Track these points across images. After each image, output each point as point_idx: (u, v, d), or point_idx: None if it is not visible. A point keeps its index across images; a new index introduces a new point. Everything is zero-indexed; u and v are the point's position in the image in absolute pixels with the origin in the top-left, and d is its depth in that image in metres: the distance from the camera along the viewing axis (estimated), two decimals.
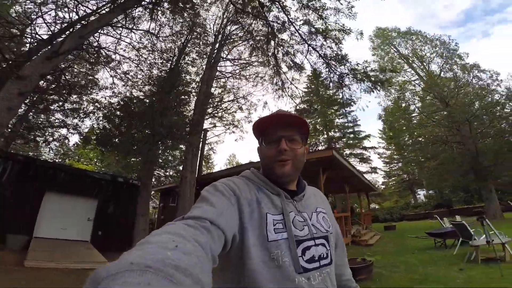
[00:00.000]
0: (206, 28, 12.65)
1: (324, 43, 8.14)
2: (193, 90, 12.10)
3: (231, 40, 13.08)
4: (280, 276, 0.65)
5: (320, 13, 8.20)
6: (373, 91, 7.91)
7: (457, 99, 16.70)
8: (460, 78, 17.38)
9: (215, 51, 12.38)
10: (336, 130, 24.10)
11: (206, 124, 12.44)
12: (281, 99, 11.49)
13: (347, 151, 23.33)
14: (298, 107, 15.26)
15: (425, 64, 18.78)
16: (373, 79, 7.75)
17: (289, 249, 0.68)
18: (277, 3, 8.26)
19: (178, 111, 9.88)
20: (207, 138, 13.04)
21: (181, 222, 0.54)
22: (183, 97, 10.65)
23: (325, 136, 23.33)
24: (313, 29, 8.02)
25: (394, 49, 20.19)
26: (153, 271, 0.31)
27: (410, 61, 19.47)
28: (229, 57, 13.67)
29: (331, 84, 8.69)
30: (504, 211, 15.08)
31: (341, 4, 8.11)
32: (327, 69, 8.45)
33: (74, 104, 10.32)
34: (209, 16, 13.18)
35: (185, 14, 9.63)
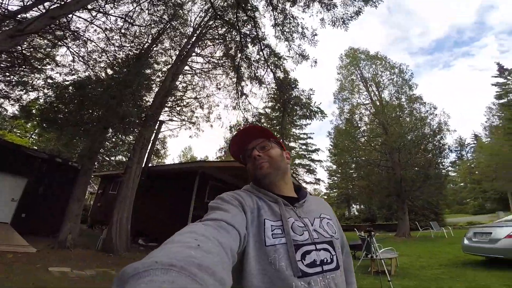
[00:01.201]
0: (187, 18, 12.30)
1: (278, 66, 8.81)
2: (157, 80, 11.79)
3: (209, 37, 12.84)
4: (277, 280, 0.67)
5: (287, 36, 8.86)
6: (308, 119, 8.89)
7: (395, 128, 19.11)
8: (403, 108, 19.71)
9: (190, 44, 12.06)
10: (291, 140, 25.59)
11: (162, 116, 12.18)
12: (236, 110, 11.86)
13: (297, 161, 25.06)
14: (255, 117, 15.84)
15: (380, 90, 20.65)
16: (311, 108, 8.70)
17: (287, 253, 0.70)
18: (252, 20, 8.66)
19: (136, 100, 9.56)
20: (161, 130, 12.74)
21: (201, 223, 0.58)
22: (145, 85, 10.28)
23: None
24: (272, 52, 8.66)
25: (358, 71, 21.86)
26: (177, 269, 0.33)
27: (368, 85, 21.23)
28: (202, 53, 13.38)
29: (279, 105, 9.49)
30: (411, 230, 17.86)
31: (307, 31, 8.92)
32: (278, 91, 9.18)
33: (24, 78, 9.22)
34: (194, 8, 12.78)
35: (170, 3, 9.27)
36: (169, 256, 0.35)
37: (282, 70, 8.87)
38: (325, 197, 35.73)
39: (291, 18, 8.37)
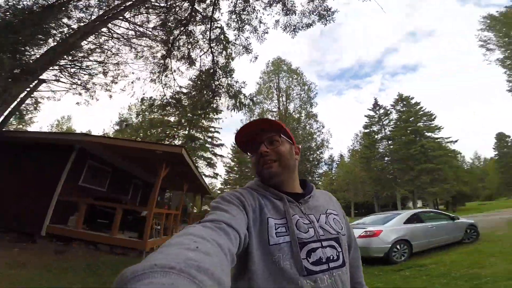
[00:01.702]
0: None
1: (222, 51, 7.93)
2: (57, 35, 8.51)
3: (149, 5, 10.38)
4: (281, 279, 0.66)
5: (240, 25, 7.98)
6: (234, 110, 8.43)
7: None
8: (301, 122, 22.46)
9: (121, 8, 9.37)
10: (199, 130, 24.29)
11: (47, 75, 8.93)
12: (156, 84, 10.06)
13: (200, 153, 23.96)
14: (167, 99, 14.04)
15: (288, 101, 22.92)
16: (242, 101, 8.29)
17: (291, 251, 0.69)
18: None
19: (18, 51, 6.61)
20: (38, 89, 9.25)
21: (199, 225, 0.57)
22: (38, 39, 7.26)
23: (186, 132, 22.86)
24: (222, 35, 7.65)
25: (276, 80, 23.48)
26: (176, 272, 0.32)
27: (280, 94, 23.12)
28: (131, 19, 10.70)
29: (209, 90, 8.53)
30: None
31: (260, 27, 8.28)
32: (213, 75, 8.24)
33: None
34: None
35: None
36: (168, 259, 0.35)
37: (226, 56, 7.89)
38: (219, 192, 36.10)
39: (252, 10, 7.71)
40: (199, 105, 10.52)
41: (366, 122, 38.50)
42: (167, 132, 20.84)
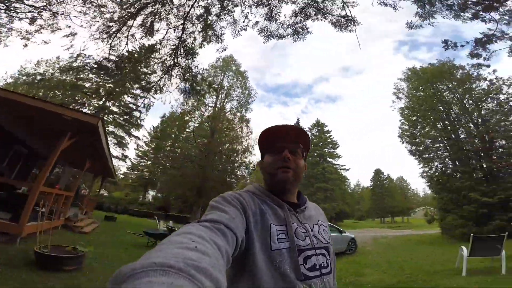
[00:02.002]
0: None
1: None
2: None
3: None
4: (281, 283, 0.68)
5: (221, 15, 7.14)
6: (185, 95, 7.70)
7: (220, 134, 21.43)
8: (233, 124, 22.52)
9: None
10: (117, 104, 20.79)
11: None
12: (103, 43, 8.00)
13: (111, 128, 20.62)
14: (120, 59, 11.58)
15: (226, 100, 22.55)
16: (197, 87, 7.59)
17: (291, 257, 0.72)
18: None
19: None
20: None
21: (198, 224, 0.56)
22: None
23: (101, 102, 19.20)
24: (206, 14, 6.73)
25: (222, 76, 22.72)
26: (175, 271, 0.32)
27: (221, 92, 22.48)
28: None
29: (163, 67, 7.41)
30: None
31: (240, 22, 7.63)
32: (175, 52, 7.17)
33: None
34: None
35: None
36: (167, 257, 0.35)
37: (202, 36, 6.91)
38: (122, 176, 32.14)
39: (242, 2, 7.10)
40: (134, 77, 9.07)
41: None
42: (77, 98, 17.19)
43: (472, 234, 6.08)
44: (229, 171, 22.19)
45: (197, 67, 6.96)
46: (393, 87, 20.01)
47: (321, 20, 6.19)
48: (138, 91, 15.34)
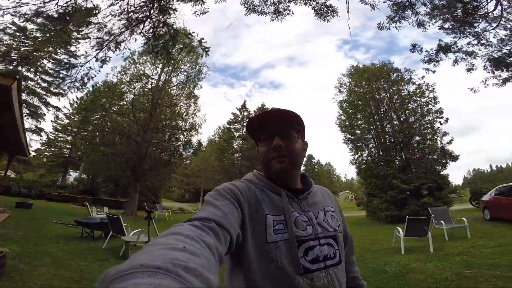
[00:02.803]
0: None
1: None
2: None
3: None
4: (279, 278, 0.65)
5: None
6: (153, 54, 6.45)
7: (163, 109, 19.42)
8: (179, 99, 20.61)
9: None
10: (35, 69, 16.20)
11: None
12: None
13: (25, 96, 16.22)
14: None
15: (173, 74, 19.97)
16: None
17: (289, 249, 0.68)
18: None
19: None
20: None
21: (188, 224, 0.55)
22: None
23: (11, 67, 14.61)
24: None
25: (171, 47, 19.89)
26: (163, 272, 0.31)
27: (169, 64, 19.74)
28: None
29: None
30: (138, 209, 18.15)
31: None
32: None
33: None
34: None
35: None
36: (154, 259, 0.34)
37: None
38: (34, 154, 26.67)
39: None
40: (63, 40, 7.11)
41: (231, 119, 41.83)
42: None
43: (407, 217, 7.04)
44: (171, 150, 20.57)
45: (173, 24, 5.82)
46: (336, 81, 21.65)
47: (305, 4, 5.95)
48: (64, 57, 12.36)
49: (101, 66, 5.77)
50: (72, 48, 12.21)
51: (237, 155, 40.80)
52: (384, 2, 6.35)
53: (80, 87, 5.97)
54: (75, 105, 26.41)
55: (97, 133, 18.93)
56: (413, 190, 13.72)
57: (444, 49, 6.40)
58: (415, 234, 6.89)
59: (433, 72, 7.13)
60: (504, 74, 6.97)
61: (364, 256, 6.53)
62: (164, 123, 20.11)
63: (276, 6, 6.03)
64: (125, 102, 18.89)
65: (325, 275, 0.70)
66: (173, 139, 20.74)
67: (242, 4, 5.92)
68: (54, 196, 19.46)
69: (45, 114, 18.30)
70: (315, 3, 6.09)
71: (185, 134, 20.89)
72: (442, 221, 7.69)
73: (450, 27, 6.60)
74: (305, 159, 0.87)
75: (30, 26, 11.37)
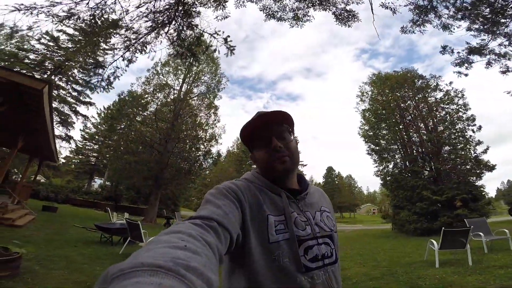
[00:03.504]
0: None
1: None
2: None
3: None
4: (282, 276, 0.66)
5: None
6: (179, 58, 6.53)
7: (185, 119, 19.88)
8: (200, 109, 20.99)
9: None
10: (66, 79, 17.35)
11: None
12: None
13: (57, 104, 17.38)
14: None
15: (194, 85, 20.49)
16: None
17: (290, 249, 0.69)
18: None
19: None
20: None
21: (189, 222, 0.55)
22: None
23: (45, 76, 15.87)
24: None
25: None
26: (164, 271, 0.31)
27: (189, 75, 20.28)
28: None
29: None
30: (157, 216, 18.37)
31: None
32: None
33: None
34: None
35: None
36: (155, 257, 0.34)
37: None
38: (63, 161, 28.19)
39: None
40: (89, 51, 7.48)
41: None
42: (17, 69, 14.05)
43: (443, 228, 6.40)
44: (192, 160, 20.77)
45: (197, 25, 5.86)
46: (358, 90, 21.02)
47: (325, 10, 5.80)
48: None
49: (127, 66, 5.91)
50: (100, 59, 12.93)
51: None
52: (405, 6, 6.07)
53: (106, 86, 6.12)
54: (102, 115, 27.85)
55: (122, 142, 19.58)
56: (445, 201, 12.68)
57: (477, 50, 5.90)
58: (451, 247, 6.27)
59: (466, 75, 6.59)
60: None
61: (393, 269, 5.94)
62: (185, 133, 20.49)
63: (295, 12, 5.91)
64: (148, 112, 19.49)
65: (323, 273, 0.71)
66: (193, 149, 20.98)
67: (261, 10, 5.86)
68: (79, 202, 20.23)
69: (74, 122, 19.37)
70: (334, 8, 5.92)
71: (205, 144, 21.10)
72: (481, 233, 6.96)
73: (479, 28, 6.13)
74: (300, 155, 0.88)
75: (62, 36, 12.21)
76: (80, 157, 28.79)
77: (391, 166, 18.56)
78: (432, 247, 6.42)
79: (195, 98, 20.80)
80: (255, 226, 0.70)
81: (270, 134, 0.80)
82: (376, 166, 19.38)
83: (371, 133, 19.66)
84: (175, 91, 20.22)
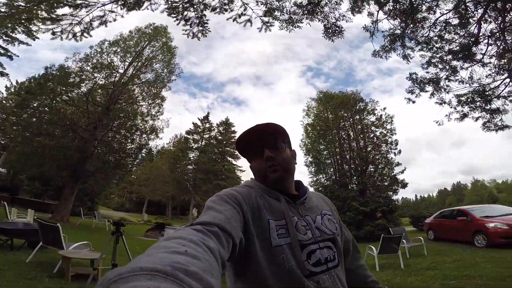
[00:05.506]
0: None
1: None
2: None
3: None
4: (288, 280, 0.67)
5: None
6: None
7: (123, 105, 17.52)
8: (141, 97, 18.86)
9: None
10: None
11: None
12: None
13: None
14: None
15: (143, 70, 18.52)
16: None
17: (293, 253, 0.70)
18: None
19: None
20: None
21: (190, 228, 0.55)
22: None
23: None
24: None
25: (144, 44, 18.37)
26: (162, 275, 0.31)
27: (138, 60, 18.20)
28: None
29: None
30: (71, 214, 15.36)
31: None
32: None
33: None
34: None
35: None
36: (154, 262, 0.34)
37: None
38: None
39: None
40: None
41: (190, 129, 40.20)
42: None
43: (382, 235, 7.24)
44: (124, 152, 18.32)
45: None
46: (305, 105, 22.73)
47: (319, 21, 6.07)
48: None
49: (127, 12, 4.77)
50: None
51: (190, 167, 38.89)
52: (382, 32, 6.82)
53: (83, 32, 4.78)
54: (13, 89, 22.15)
55: (34, 120, 15.86)
56: (369, 212, 14.62)
57: (428, 81, 7.10)
58: (386, 252, 7.07)
59: (413, 102, 7.80)
60: (466, 110, 7.92)
61: None
62: (120, 121, 18.02)
63: (290, 16, 5.96)
64: (79, 91, 16.46)
65: (328, 277, 0.72)
66: (128, 140, 18.58)
67: (263, 4, 5.69)
68: None
69: None
70: (326, 21, 6.22)
71: (142, 136, 18.93)
72: (404, 240, 8.13)
73: (429, 61, 7.38)
74: (296, 166, 0.91)
75: None
76: None
77: (324, 177, 20.44)
78: (371, 252, 7.18)
79: (140, 84, 18.60)
80: (257, 230, 0.70)
81: (263, 145, 0.83)
82: (311, 177, 21.07)
83: (310, 146, 21.34)
84: (117, 74, 17.70)
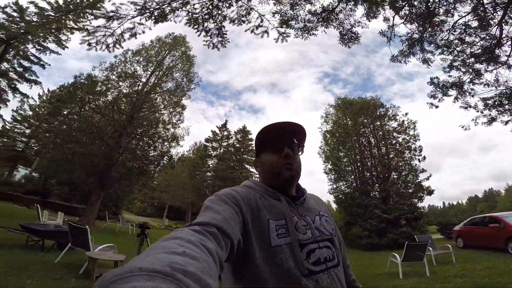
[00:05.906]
0: None
1: None
2: None
3: None
4: (286, 280, 0.67)
5: None
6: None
7: (146, 113, 18.33)
8: (162, 106, 19.64)
9: None
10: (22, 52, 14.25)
11: None
12: None
13: None
14: None
15: (164, 79, 19.40)
16: None
17: (293, 253, 0.70)
18: None
19: None
20: None
21: (188, 228, 0.55)
22: None
23: None
24: None
25: (164, 53, 19.38)
26: (161, 276, 0.31)
27: (159, 69, 19.23)
28: None
29: None
30: (96, 218, 16.14)
31: None
32: None
33: None
34: None
35: None
36: (153, 262, 0.34)
37: None
38: None
39: None
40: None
41: (209, 137, 40.97)
42: None
43: (406, 242, 6.94)
44: (148, 159, 19.02)
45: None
46: (323, 112, 22.48)
47: (335, 28, 6.12)
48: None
49: (154, 24, 5.12)
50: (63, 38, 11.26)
51: (209, 174, 39.44)
52: (400, 36, 6.72)
53: (115, 44, 5.19)
54: (45, 97, 23.97)
55: (64, 127, 16.94)
56: (392, 219, 14.05)
57: (451, 85, 6.86)
58: (411, 259, 6.77)
59: (436, 107, 7.54)
60: (493, 113, 7.52)
61: (361, 281, 6.09)
62: (144, 129, 18.80)
63: (305, 24, 6.05)
64: (105, 100, 17.46)
65: (327, 276, 0.72)
66: (151, 147, 19.30)
67: (277, 13, 5.84)
68: None
69: (8, 100, 15.98)
70: (341, 28, 6.25)
71: (164, 144, 19.60)
72: (430, 248, 7.76)
73: (451, 65, 7.12)
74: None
75: (31, 8, 10.20)
76: (5, 140, 24.00)
77: (344, 185, 19.91)
78: (395, 260, 6.89)
79: (161, 93, 19.41)
80: (256, 231, 0.70)
81: (284, 141, 0.84)
82: (331, 185, 20.58)
83: (330, 154, 20.95)
84: (140, 83, 18.63)
